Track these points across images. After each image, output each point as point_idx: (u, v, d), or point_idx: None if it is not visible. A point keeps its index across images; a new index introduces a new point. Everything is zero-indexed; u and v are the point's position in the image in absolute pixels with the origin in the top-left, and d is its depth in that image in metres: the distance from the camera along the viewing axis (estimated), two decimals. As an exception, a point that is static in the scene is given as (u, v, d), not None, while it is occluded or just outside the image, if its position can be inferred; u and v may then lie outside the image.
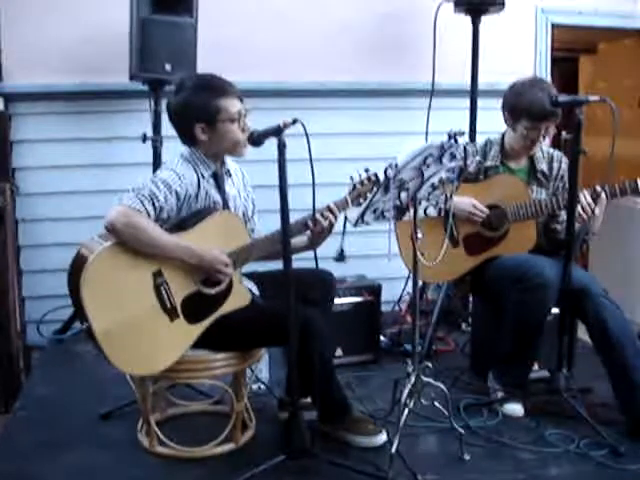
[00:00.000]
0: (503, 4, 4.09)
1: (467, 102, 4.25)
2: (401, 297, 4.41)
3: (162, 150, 3.92)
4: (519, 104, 3.21)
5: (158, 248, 2.52)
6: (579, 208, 2.97)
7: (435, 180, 2.66)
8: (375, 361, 3.76)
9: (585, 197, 3.02)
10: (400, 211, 2.69)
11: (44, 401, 3.31)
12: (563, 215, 3.19)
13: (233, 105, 2.69)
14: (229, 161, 2.87)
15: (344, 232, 2.75)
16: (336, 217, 2.75)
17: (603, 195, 3.04)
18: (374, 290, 3.75)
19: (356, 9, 4.51)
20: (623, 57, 6.38)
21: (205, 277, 2.64)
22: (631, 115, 5.85)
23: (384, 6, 4.53)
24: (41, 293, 4.24)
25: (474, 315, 3.84)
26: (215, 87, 2.70)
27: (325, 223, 2.72)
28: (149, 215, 2.53)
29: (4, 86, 4.14)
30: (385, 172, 2.52)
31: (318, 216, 2.70)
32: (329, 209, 2.73)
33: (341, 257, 2.80)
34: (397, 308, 4.44)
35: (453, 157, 2.59)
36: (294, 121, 2.40)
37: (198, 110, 2.67)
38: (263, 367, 3.35)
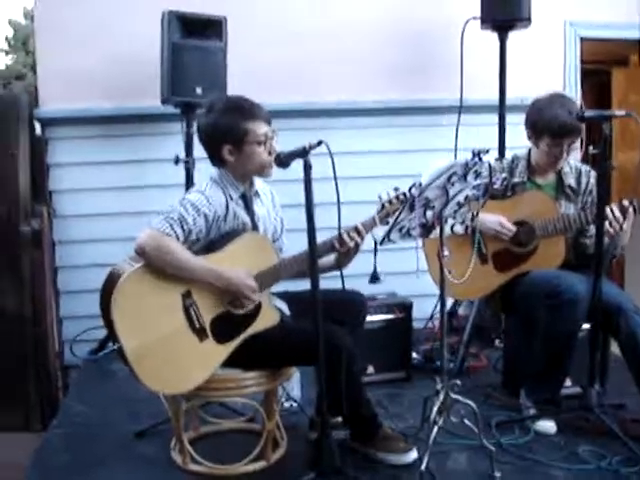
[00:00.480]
0: (529, 20, 4.10)
1: (496, 118, 4.26)
2: (433, 314, 4.40)
3: (194, 172, 3.99)
4: (539, 121, 3.22)
5: (186, 271, 2.57)
6: (607, 223, 2.96)
7: (461, 198, 2.67)
8: (407, 378, 3.75)
9: (613, 211, 3.00)
10: (426, 229, 2.70)
11: (80, 419, 3.37)
12: (592, 230, 3.17)
13: (260, 127, 2.73)
14: (258, 181, 2.91)
15: (376, 253, 2.76)
16: (363, 238, 2.76)
17: (631, 209, 3.02)
18: (405, 307, 3.75)
19: (383, 27, 4.55)
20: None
21: (234, 298, 2.68)
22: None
23: (410, 24, 4.57)
24: (78, 313, 4.31)
25: (506, 331, 3.81)
26: (243, 109, 2.75)
27: (351, 243, 2.74)
28: (178, 238, 2.58)
29: (40, 112, 4.26)
30: (409, 191, 2.54)
31: (345, 236, 2.73)
32: (356, 230, 2.75)
33: (375, 278, 2.81)
34: (430, 325, 4.43)
35: (478, 174, 2.60)
36: (319, 142, 2.43)
37: (226, 132, 2.73)
38: (295, 385, 3.37)
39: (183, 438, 2.79)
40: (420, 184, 2.50)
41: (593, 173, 3.34)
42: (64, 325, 4.41)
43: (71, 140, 4.32)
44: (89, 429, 3.25)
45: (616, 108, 6.64)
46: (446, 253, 2.72)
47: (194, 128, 3.92)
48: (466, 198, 2.70)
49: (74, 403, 3.58)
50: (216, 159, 2.80)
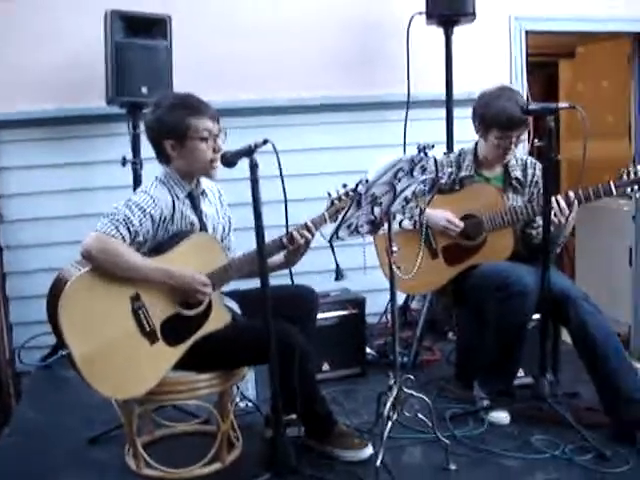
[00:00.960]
0: (474, 14, 4.13)
1: (444, 112, 4.29)
2: (387, 309, 4.42)
3: (142, 173, 3.94)
4: (487, 114, 3.24)
5: (135, 272, 2.54)
6: (552, 214, 2.99)
7: (408, 193, 2.68)
8: (362, 374, 3.76)
9: (559, 202, 3.03)
10: (375, 225, 2.71)
11: (32, 427, 3.31)
12: (539, 221, 3.21)
13: (203, 123, 2.71)
14: (205, 180, 2.89)
15: (334, 250, 2.76)
16: (313, 234, 2.76)
17: (576, 201, 3.06)
18: (358, 303, 3.76)
19: (328, 24, 4.55)
20: (601, 60, 6.44)
21: (184, 299, 2.65)
22: (613, 117, 5.90)
23: (356, 20, 4.57)
24: (28, 319, 4.23)
25: (458, 324, 3.85)
26: (187, 105, 2.73)
27: (301, 241, 2.74)
28: (124, 240, 2.55)
29: (-16, 115, 4.17)
30: (356, 188, 2.54)
31: (295, 234, 2.72)
32: (306, 227, 2.75)
33: (340, 275, 2.81)
34: (383, 320, 4.45)
35: (424, 170, 2.61)
36: (265, 141, 2.42)
37: (169, 127, 2.71)
38: (249, 385, 3.37)
39: (136, 443, 2.76)
40: (367, 180, 2.50)
41: (539, 165, 3.39)
42: (14, 331, 4.32)
43: (16, 143, 4.23)
44: (42, 436, 3.20)
45: (564, 99, 6.75)
46: (395, 249, 2.72)
47: (141, 128, 3.91)
48: (413, 193, 2.71)
49: (26, 410, 3.53)
50: (161, 156, 2.78)
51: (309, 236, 2.76)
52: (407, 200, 2.70)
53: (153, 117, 2.76)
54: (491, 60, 4.78)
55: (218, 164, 2.66)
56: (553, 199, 3.00)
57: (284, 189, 2.45)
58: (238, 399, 3.15)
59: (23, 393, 3.98)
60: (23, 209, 4.28)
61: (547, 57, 7.02)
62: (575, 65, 7.07)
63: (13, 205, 4.29)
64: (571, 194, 3.06)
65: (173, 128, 2.70)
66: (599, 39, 6.05)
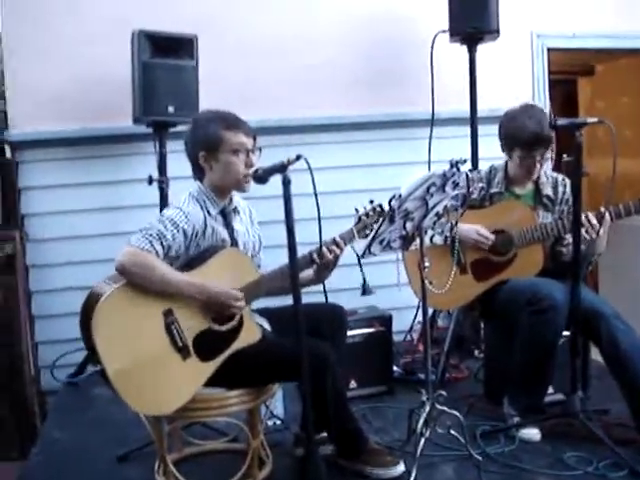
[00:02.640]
0: (498, 32, 4.14)
1: (468, 130, 4.30)
2: (412, 326, 4.41)
3: (168, 191, 3.95)
4: (510, 133, 3.27)
5: (169, 286, 2.54)
6: (584, 230, 2.98)
7: (440, 209, 2.68)
8: (389, 392, 3.75)
9: (589, 219, 3.02)
10: (406, 241, 2.71)
11: (61, 445, 3.31)
12: (569, 238, 3.20)
13: (237, 137, 2.74)
14: (237, 198, 2.91)
15: (361, 265, 2.76)
16: (342, 250, 2.76)
17: (607, 216, 3.05)
18: (385, 320, 3.75)
19: (355, 42, 4.58)
20: (620, 77, 6.44)
21: (216, 314, 2.65)
22: (632, 134, 5.89)
23: (382, 39, 4.60)
24: (54, 338, 4.25)
25: (486, 341, 3.82)
26: (223, 119, 2.77)
27: (331, 256, 2.74)
28: (158, 254, 2.56)
29: (10, 134, 4.21)
30: (389, 203, 2.54)
31: (324, 249, 2.73)
32: (335, 242, 2.75)
33: (367, 290, 2.81)
34: (409, 337, 4.44)
35: (456, 185, 2.61)
36: (298, 157, 2.41)
37: (203, 139, 2.75)
38: (278, 403, 3.35)
39: (167, 460, 2.74)
40: (400, 196, 2.51)
41: (568, 181, 3.38)
42: (40, 350, 4.33)
43: (42, 163, 4.27)
44: (70, 455, 3.20)
45: (583, 116, 6.73)
46: (427, 264, 2.72)
47: (167, 147, 3.95)
48: (445, 208, 2.71)
49: (54, 429, 3.52)
50: (194, 168, 2.82)
51: (337, 251, 2.76)
52: (439, 215, 2.70)
53: (190, 132, 2.82)
54: (514, 77, 4.79)
55: (250, 179, 2.67)
56: (583, 215, 2.99)
57: (317, 205, 2.44)
58: (266, 417, 3.14)
59: (50, 412, 3.97)
60: (48, 228, 4.31)
61: (566, 75, 7.02)
62: (594, 82, 7.08)
63: (38, 224, 4.32)
64: (602, 209, 3.04)
65: (207, 140, 2.74)
66: (618, 56, 6.05)
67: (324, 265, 2.79)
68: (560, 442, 3.04)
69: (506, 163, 3.44)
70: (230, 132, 2.74)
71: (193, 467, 2.98)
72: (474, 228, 3.27)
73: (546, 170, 3.37)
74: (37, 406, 4.15)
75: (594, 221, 3.03)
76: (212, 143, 2.73)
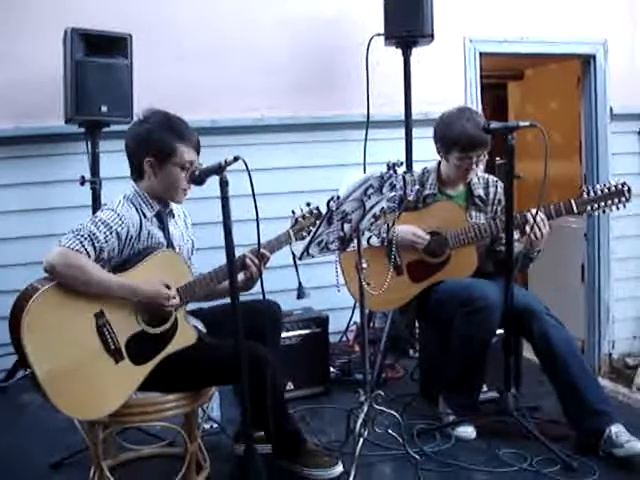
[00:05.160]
0: (432, 36, 4.19)
1: (402, 132, 4.34)
2: (348, 327, 4.44)
3: (101, 192, 3.88)
4: (448, 136, 3.30)
5: (99, 288, 2.49)
6: (528, 228, 3.05)
7: (377, 210, 2.71)
8: (326, 393, 3.76)
9: (535, 217, 3.08)
10: (344, 242, 2.72)
11: (-10, 453, 3.22)
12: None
13: (189, 154, 2.71)
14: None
15: (297, 268, 2.76)
16: (266, 261, 2.79)
17: (543, 215, 3.12)
18: (322, 322, 3.77)
19: (290, 45, 4.58)
20: (549, 81, 6.61)
21: (149, 316, 2.61)
22: (559, 137, 6.05)
23: (317, 41, 4.61)
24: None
25: (421, 341, 3.88)
26: (178, 130, 2.72)
27: (254, 268, 2.76)
28: (89, 255, 2.50)
29: (-63, 133, 4.07)
30: (328, 204, 2.55)
31: (247, 260, 2.75)
32: (259, 253, 2.75)
33: (301, 294, 2.81)
34: (345, 338, 4.46)
35: (393, 187, 2.64)
36: (236, 158, 2.39)
37: (154, 145, 2.69)
38: (214, 406, 3.33)
39: (103, 467, 2.69)
40: (338, 197, 2.52)
41: (500, 183, 3.45)
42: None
43: (-31, 163, 4.14)
44: (1, 462, 3.10)
45: (513, 120, 6.89)
46: (365, 265, 2.74)
47: (100, 148, 3.87)
48: (382, 210, 2.73)
49: (-18, 436, 3.42)
50: (135, 170, 2.76)
51: (256, 263, 2.76)
52: (376, 217, 2.72)
53: (140, 130, 2.74)
54: (447, 81, 4.86)
55: (187, 193, 2.65)
56: (529, 213, 3.06)
57: (255, 206, 2.42)
58: (201, 420, 3.11)
59: (-22, 419, 3.86)
60: (-24, 229, 4.18)
61: (496, 79, 7.16)
62: (524, 87, 7.25)
63: (-35, 225, 4.18)
64: (532, 211, 3.11)
65: (158, 148, 2.68)
66: (547, 61, 6.21)
67: (248, 275, 2.79)
68: (495, 439, 3.10)
69: (438, 165, 3.48)
70: (184, 147, 2.70)
71: (130, 473, 2.94)
72: (410, 229, 3.30)
73: (477, 172, 3.43)
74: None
75: (542, 216, 3.09)
76: (163, 152, 2.69)
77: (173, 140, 2.69)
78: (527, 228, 3.06)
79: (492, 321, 3.08)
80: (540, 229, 3.09)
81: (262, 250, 2.75)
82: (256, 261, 2.76)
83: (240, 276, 2.81)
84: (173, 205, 2.87)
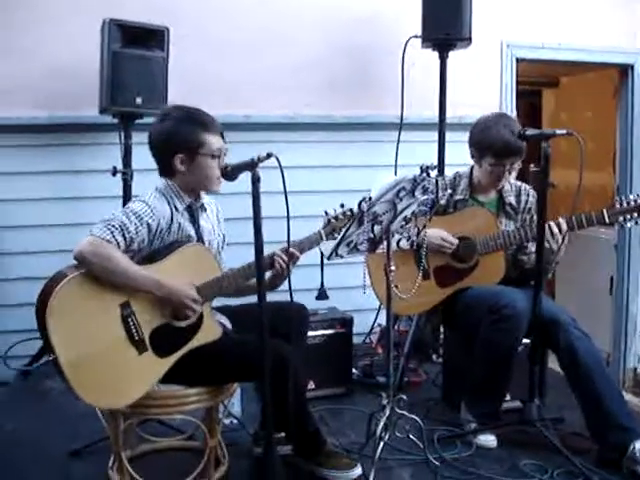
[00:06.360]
0: (470, 39, 4.16)
1: (435, 135, 4.31)
2: (372, 329, 4.42)
3: (132, 183, 3.90)
4: (483, 141, 3.27)
5: (126, 278, 2.50)
6: (550, 238, 3.02)
7: (408, 213, 2.69)
8: (347, 394, 3.74)
9: (552, 229, 3.05)
10: (373, 244, 2.71)
11: (11, 439, 3.24)
12: (531, 247, 3.24)
13: (216, 141, 2.72)
14: (204, 195, 2.87)
15: (322, 269, 2.75)
16: (295, 260, 2.78)
17: (565, 226, 3.08)
18: (346, 322, 3.75)
19: (326, 44, 4.57)
20: (585, 90, 6.54)
21: (175, 309, 2.62)
22: (592, 147, 5.98)
23: (353, 41, 4.60)
24: (9, 327, 4.15)
25: (446, 346, 3.85)
26: (201, 121, 2.72)
27: (283, 265, 2.75)
28: (119, 246, 2.51)
29: (-27, 120, 4.11)
30: (359, 205, 2.54)
31: (276, 258, 2.73)
32: (287, 252, 2.74)
33: (323, 295, 2.81)
34: (368, 340, 4.44)
35: (425, 190, 2.62)
36: (269, 155, 2.37)
37: (181, 141, 2.69)
38: (235, 402, 3.33)
39: (123, 457, 2.70)
40: (370, 199, 2.50)
41: (532, 192, 3.42)
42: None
43: (4, 149, 4.17)
44: (21, 448, 3.12)
45: (547, 128, 6.84)
46: (393, 268, 2.72)
47: (133, 139, 3.88)
48: (413, 213, 2.71)
49: (4, 421, 3.44)
50: (165, 168, 2.76)
51: (288, 262, 2.75)
52: (406, 220, 2.70)
53: (163, 128, 2.73)
54: (482, 86, 4.83)
55: (222, 181, 2.64)
56: (546, 225, 3.02)
57: (287, 203, 2.40)
58: (221, 415, 3.11)
59: (0, 402, 3.89)
60: (6, 216, 4.21)
61: (531, 85, 7.11)
62: (559, 94, 7.18)
63: (-3, 211, 4.23)
64: (562, 221, 3.08)
65: (186, 142, 2.69)
66: (584, 69, 6.14)
67: (276, 273, 2.78)
68: (516, 449, 3.07)
69: (471, 170, 3.45)
70: (210, 135, 2.71)
71: (148, 464, 2.94)
72: (438, 233, 3.28)
73: (510, 179, 3.40)
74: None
75: (555, 230, 3.06)
76: (191, 146, 2.69)
77: (198, 131, 2.69)
78: (548, 239, 3.01)
79: (519, 329, 3.05)
80: (553, 242, 3.05)
81: (291, 249, 2.74)
82: (285, 259, 2.75)
83: (268, 274, 2.81)
84: (205, 199, 2.87)
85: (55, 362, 2.42)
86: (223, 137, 2.76)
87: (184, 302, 2.59)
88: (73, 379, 2.42)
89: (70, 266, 2.52)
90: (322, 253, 2.73)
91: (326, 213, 2.82)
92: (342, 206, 2.82)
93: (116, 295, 2.52)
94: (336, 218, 2.81)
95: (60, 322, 2.41)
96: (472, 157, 3.38)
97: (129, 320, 2.53)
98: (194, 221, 2.78)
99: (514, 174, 3.39)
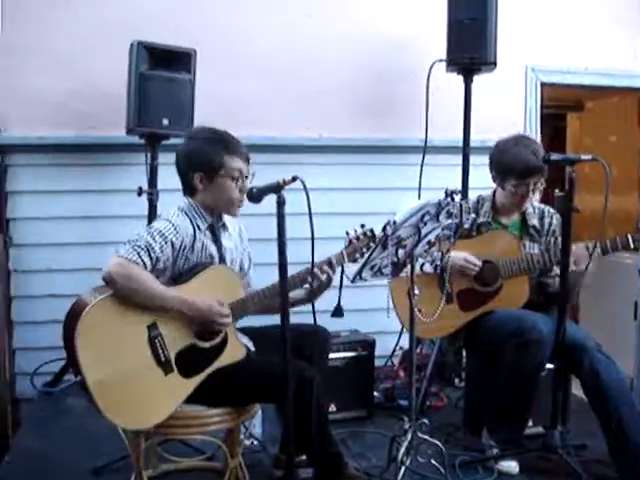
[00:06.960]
0: (495, 64, 4.17)
1: (459, 159, 4.31)
2: (394, 352, 4.40)
3: (157, 204, 3.93)
4: (504, 162, 3.27)
5: (154, 299, 2.52)
6: (572, 261, 3.00)
7: (432, 237, 2.69)
8: (368, 417, 3.73)
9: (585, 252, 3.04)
10: (397, 268, 2.71)
11: (34, 455, 3.26)
12: (555, 270, 3.22)
13: (236, 163, 2.74)
14: (226, 215, 2.90)
15: (341, 288, 2.76)
16: (334, 272, 2.76)
17: (599, 250, 3.07)
18: (368, 345, 3.74)
19: (351, 67, 4.59)
20: (609, 114, 6.51)
21: (200, 330, 2.63)
22: (617, 172, 5.94)
23: (378, 64, 4.62)
24: (33, 345, 4.19)
25: (468, 370, 3.83)
26: (224, 142, 2.76)
27: (323, 277, 2.74)
28: (145, 266, 2.54)
29: (1, 137, 4.17)
30: (384, 229, 2.55)
31: (317, 270, 2.72)
32: (329, 263, 2.75)
33: (338, 313, 2.81)
34: (390, 363, 4.43)
35: (450, 215, 2.62)
36: (294, 178, 2.40)
37: (201, 160, 2.73)
38: (256, 423, 3.32)
39: (143, 476, 2.71)
40: (394, 222, 2.51)
41: (556, 215, 3.40)
42: (17, 356, 4.27)
43: (32, 168, 4.23)
44: (43, 465, 3.15)
45: (571, 152, 6.82)
46: (416, 292, 2.72)
47: (159, 160, 3.93)
48: (437, 237, 2.72)
49: (28, 438, 3.48)
50: (187, 187, 2.80)
51: (331, 273, 2.77)
52: (430, 244, 2.70)
53: (188, 147, 2.79)
54: (506, 110, 4.83)
55: (242, 204, 2.66)
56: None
57: (312, 225, 2.42)
58: (243, 436, 3.11)
59: (24, 420, 3.92)
60: (33, 234, 4.26)
61: (555, 109, 7.09)
62: (583, 119, 7.16)
63: (23, 230, 4.27)
64: (590, 245, 3.06)
65: (206, 162, 2.73)
66: (609, 94, 6.12)
67: (317, 286, 2.78)
68: (538, 476, 3.05)
69: (494, 193, 3.45)
70: (231, 157, 2.74)
71: (169, 484, 2.95)
72: (462, 255, 3.27)
73: (532, 201, 3.39)
74: (10, 413, 4.09)
75: (581, 253, 3.04)
76: (211, 166, 2.72)
77: (219, 153, 2.72)
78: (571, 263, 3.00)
79: (542, 354, 3.03)
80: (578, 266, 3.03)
81: (332, 260, 2.78)
82: (329, 270, 2.77)
83: (300, 291, 2.84)
84: (226, 218, 2.89)
85: (82, 383, 2.45)
86: (248, 161, 2.79)
87: (214, 318, 2.61)
88: (101, 401, 2.45)
89: (98, 287, 2.55)
90: (343, 271, 2.73)
91: (347, 233, 2.84)
92: (362, 226, 2.83)
93: (143, 316, 2.54)
94: (357, 238, 2.82)
95: (88, 344, 2.43)
96: (494, 180, 3.39)
97: (156, 341, 2.55)
98: (216, 240, 2.81)
99: (538, 195, 3.39)
